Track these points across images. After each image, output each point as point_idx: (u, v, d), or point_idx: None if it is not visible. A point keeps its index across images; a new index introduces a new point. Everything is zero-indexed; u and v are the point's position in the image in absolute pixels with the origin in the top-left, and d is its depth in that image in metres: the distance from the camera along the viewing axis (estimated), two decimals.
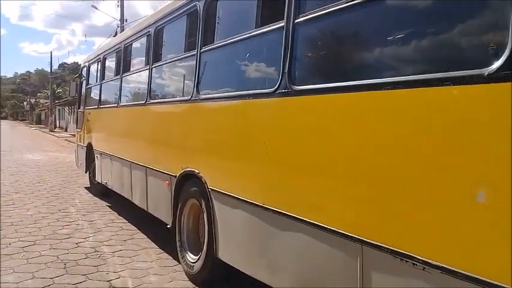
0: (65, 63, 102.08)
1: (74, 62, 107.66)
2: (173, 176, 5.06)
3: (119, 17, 23.94)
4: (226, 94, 4.11)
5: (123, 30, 23.93)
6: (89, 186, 10.51)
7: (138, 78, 6.76)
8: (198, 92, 4.49)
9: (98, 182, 9.20)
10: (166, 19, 5.54)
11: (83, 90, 10.88)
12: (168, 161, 5.32)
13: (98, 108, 8.90)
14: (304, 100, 3.06)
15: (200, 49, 4.47)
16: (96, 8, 25.40)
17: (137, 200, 6.53)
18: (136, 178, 6.51)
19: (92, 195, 9.59)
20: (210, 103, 4.34)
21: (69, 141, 31.70)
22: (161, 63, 5.81)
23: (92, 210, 8.00)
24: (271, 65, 3.53)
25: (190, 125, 4.70)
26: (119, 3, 23.54)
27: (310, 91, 3.02)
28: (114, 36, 25.15)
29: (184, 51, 5.11)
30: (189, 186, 4.79)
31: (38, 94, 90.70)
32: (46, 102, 75.76)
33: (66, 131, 50.77)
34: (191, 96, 4.60)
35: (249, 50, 3.91)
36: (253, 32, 3.72)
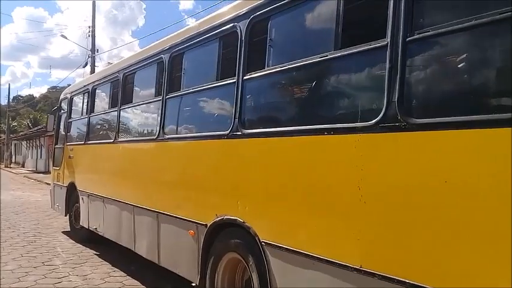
0: (20, 95, 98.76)
1: (29, 95, 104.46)
2: (201, 224, 4.29)
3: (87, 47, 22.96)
4: (293, 128, 3.39)
5: (94, 60, 23.12)
6: (68, 230, 9.46)
7: (146, 110, 5.97)
8: (242, 125, 3.80)
9: (82, 227, 8.20)
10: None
11: (62, 124, 9.92)
12: (193, 206, 4.53)
13: (84, 144, 7.97)
14: None
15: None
16: (66, 38, 24.17)
17: (143, 251, 5.64)
18: (142, 225, 5.65)
19: (73, 242, 8.53)
20: (264, 139, 3.62)
21: (29, 178, 30.04)
22: (178, 94, 5.07)
23: (81, 262, 6.99)
24: None
25: (232, 165, 3.96)
26: (90, 34, 22.64)
27: None
28: (84, 67, 24.27)
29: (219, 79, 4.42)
30: (226, 237, 4.03)
31: None
32: (0, 137, 72.41)
33: (23, 166, 48.36)
34: (231, 130, 3.89)
35: None
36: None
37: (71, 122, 9.22)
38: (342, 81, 3.12)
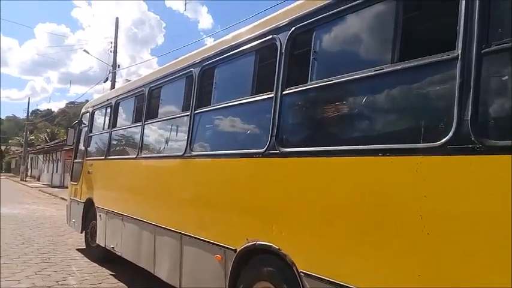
0: (38, 110, 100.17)
1: (47, 109, 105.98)
2: (230, 249, 3.98)
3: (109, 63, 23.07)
4: (341, 148, 3.09)
5: (115, 76, 23.18)
6: (83, 248, 9.22)
7: (172, 125, 5.73)
8: (280, 143, 3.53)
9: (98, 245, 7.93)
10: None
11: (82, 138, 9.76)
12: (221, 229, 4.23)
13: (105, 159, 7.76)
14: None
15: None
16: (88, 52, 24.41)
17: (163, 274, 5.32)
18: (163, 246, 5.35)
19: (88, 260, 8.26)
20: (306, 159, 3.33)
21: (44, 192, 30.02)
22: (208, 109, 4.82)
23: (96, 282, 6.69)
24: None
25: (267, 185, 3.66)
26: (111, 50, 22.78)
27: None
28: (104, 82, 24.34)
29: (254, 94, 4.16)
30: (258, 264, 3.72)
31: (10, 141, 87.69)
32: (17, 150, 73.25)
33: (38, 180, 48.61)
34: (267, 149, 3.61)
35: None
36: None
37: (91, 136, 9.05)
38: (399, 97, 2.82)
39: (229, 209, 4.12)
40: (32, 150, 55.34)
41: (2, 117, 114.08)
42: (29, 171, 57.84)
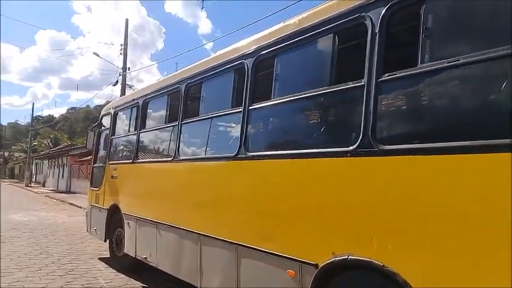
0: (40, 116, 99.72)
1: (49, 115, 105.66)
2: (308, 264, 3.43)
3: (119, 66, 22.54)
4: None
5: (125, 79, 22.67)
6: (106, 257, 8.68)
7: (219, 123, 5.19)
8: (375, 140, 2.98)
9: (126, 255, 7.38)
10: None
11: (103, 141, 9.22)
12: (294, 240, 3.67)
13: (132, 163, 7.21)
14: None
15: None
16: (98, 55, 23.85)
17: None
18: (212, 258, 4.80)
19: (114, 271, 7.70)
20: (420, 157, 2.76)
21: (51, 198, 29.54)
22: (269, 104, 4.27)
23: None
24: None
25: (364, 188, 3.09)
26: (122, 52, 22.26)
27: None
28: (114, 85, 23.80)
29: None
30: (348, 282, 3.16)
31: (13, 147, 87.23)
32: (20, 156, 72.79)
33: (44, 186, 48.14)
34: (358, 146, 3.06)
35: None
36: None
37: (114, 139, 8.50)
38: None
39: (306, 218, 3.55)
40: (37, 156, 54.86)
41: (4, 124, 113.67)
42: (34, 177, 57.33)
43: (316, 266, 3.36)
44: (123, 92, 21.57)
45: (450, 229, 2.49)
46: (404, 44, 2.97)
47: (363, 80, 3.14)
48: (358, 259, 3.02)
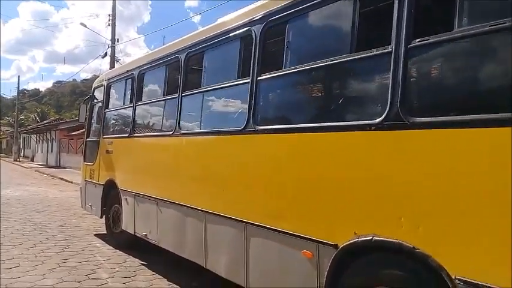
0: (25, 89, 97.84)
1: (35, 89, 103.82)
2: (327, 244, 3.24)
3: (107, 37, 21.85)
4: None
5: (114, 51, 22.04)
6: (101, 233, 8.53)
7: (222, 95, 4.91)
8: (406, 111, 2.74)
9: (123, 231, 7.18)
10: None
11: (95, 114, 8.89)
12: (311, 218, 3.46)
13: (129, 137, 6.92)
14: None
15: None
16: (85, 26, 23.00)
17: (220, 269, 4.58)
18: (218, 237, 4.61)
19: (111, 248, 7.52)
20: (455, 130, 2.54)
21: (41, 173, 29.18)
22: (276, 74, 4.00)
23: (130, 274, 5.96)
24: None
25: (391, 161, 2.87)
26: (110, 23, 21.52)
27: None
28: (103, 58, 23.17)
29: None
30: (373, 265, 2.98)
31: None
32: (7, 130, 71.69)
33: (32, 160, 47.60)
34: (385, 119, 2.83)
35: None
36: None
37: (108, 112, 8.18)
38: None
39: (325, 195, 3.33)
40: (24, 130, 54.04)
41: None
42: (22, 151, 56.62)
43: (335, 246, 3.17)
44: (112, 65, 20.98)
45: (493, 210, 2.29)
46: (438, 7, 2.70)
47: (389, 47, 2.88)
48: (384, 240, 2.83)
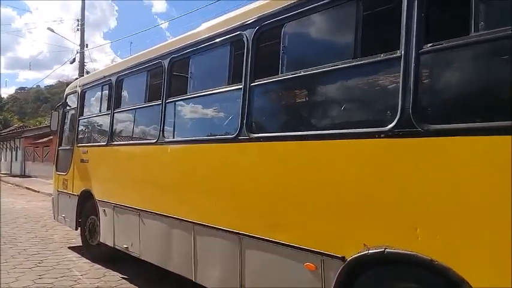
0: None
1: None
2: (333, 257, 3.10)
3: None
4: None
5: (83, 56, 21.44)
6: (75, 246, 8.17)
7: (210, 102, 4.73)
8: (419, 119, 2.64)
9: (100, 244, 6.87)
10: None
11: (68, 122, 8.53)
12: (313, 229, 3.31)
13: (107, 145, 6.63)
14: None
15: None
16: (53, 31, 22.23)
17: (213, 283, 4.38)
18: (209, 250, 4.41)
19: (88, 261, 7.18)
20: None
21: (5, 182, 28.05)
22: (270, 80, 3.85)
23: None
24: None
25: (405, 169, 2.75)
26: (79, 28, 20.92)
27: None
28: (71, 63, 22.47)
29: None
30: (385, 279, 2.85)
31: None
32: None
33: None
34: (396, 126, 2.72)
35: None
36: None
37: (82, 119, 7.84)
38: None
39: (330, 204, 3.19)
40: None
41: None
42: None
43: (342, 259, 3.03)
44: (81, 70, 20.42)
45: None
46: (454, 10, 2.62)
47: (398, 51, 2.78)
48: (398, 252, 2.71)
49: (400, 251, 2.69)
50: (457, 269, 2.41)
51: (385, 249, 2.78)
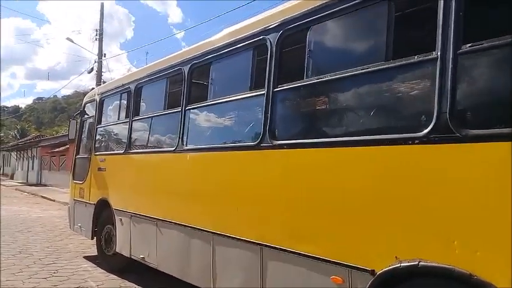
0: (5, 106, 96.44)
1: (15, 106, 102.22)
2: (361, 270, 2.94)
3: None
4: None
5: (101, 66, 21.64)
6: (91, 255, 8.08)
7: (232, 109, 4.63)
8: (456, 124, 2.49)
9: (116, 254, 6.77)
10: None
11: (86, 131, 8.50)
12: (340, 241, 3.17)
13: (125, 153, 6.57)
14: None
15: None
16: (72, 41, 22.62)
17: None
18: (229, 261, 4.27)
19: (104, 271, 7.08)
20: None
21: (21, 191, 28.30)
22: (296, 85, 3.73)
23: None
24: None
25: (444, 179, 2.59)
26: (97, 37, 21.16)
27: None
28: (89, 73, 22.69)
29: None
30: None
31: None
32: None
33: (12, 178, 46.38)
34: (432, 131, 2.58)
35: None
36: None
37: (100, 128, 7.81)
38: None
39: (359, 215, 3.04)
40: (4, 148, 52.76)
41: None
42: (1, 169, 55.24)
43: (372, 272, 2.87)
44: (98, 80, 20.59)
45: None
46: (495, 7, 2.48)
47: (434, 53, 2.64)
48: (433, 266, 2.54)
49: (436, 265, 2.53)
50: (499, 285, 2.23)
51: (419, 262, 2.61)
